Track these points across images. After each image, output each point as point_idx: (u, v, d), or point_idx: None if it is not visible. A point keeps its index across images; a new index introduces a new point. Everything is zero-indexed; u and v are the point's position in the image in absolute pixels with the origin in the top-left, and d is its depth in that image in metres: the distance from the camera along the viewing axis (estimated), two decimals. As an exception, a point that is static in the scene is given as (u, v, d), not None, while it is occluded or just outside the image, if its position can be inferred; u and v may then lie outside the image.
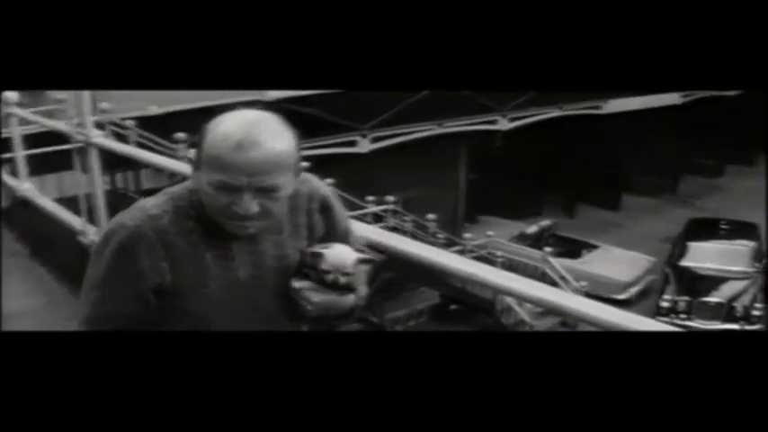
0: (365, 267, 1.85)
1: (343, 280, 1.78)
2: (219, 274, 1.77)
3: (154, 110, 12.09)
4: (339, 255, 1.80)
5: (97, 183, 5.19)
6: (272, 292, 1.84)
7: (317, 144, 14.22)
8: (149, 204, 1.76)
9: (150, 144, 10.07)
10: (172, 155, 8.76)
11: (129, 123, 10.63)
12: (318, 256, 1.78)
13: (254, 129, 1.63)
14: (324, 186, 1.94)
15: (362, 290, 1.86)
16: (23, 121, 6.64)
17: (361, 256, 1.83)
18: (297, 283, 1.81)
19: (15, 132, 6.60)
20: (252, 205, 1.65)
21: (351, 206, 12.49)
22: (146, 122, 10.99)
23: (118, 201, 7.64)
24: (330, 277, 1.77)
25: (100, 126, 5.93)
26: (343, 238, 1.93)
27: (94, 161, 5.07)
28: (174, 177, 4.32)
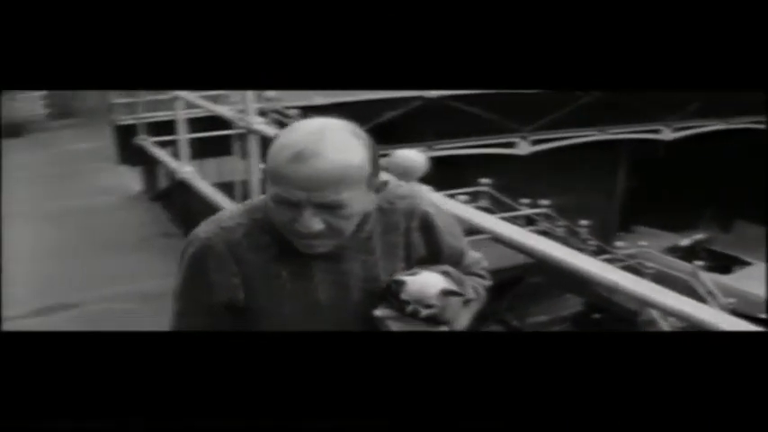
0: (457, 299, 1.66)
1: (424, 312, 1.61)
2: (296, 295, 1.63)
3: (319, 100, 12.39)
4: (422, 284, 1.62)
5: (254, 170, 5.14)
6: (355, 319, 1.66)
7: (476, 144, 14.38)
8: (225, 216, 1.66)
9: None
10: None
11: (293, 112, 10.31)
12: (400, 283, 1.61)
13: (316, 138, 1.47)
14: (428, 202, 1.75)
15: (461, 322, 1.71)
16: (189, 105, 6.65)
17: (447, 287, 1.63)
18: (379, 311, 1.64)
19: (180, 115, 6.66)
20: (313, 222, 1.48)
21: (503, 208, 12.58)
22: (310, 112, 11.23)
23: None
24: (410, 308, 1.60)
25: (262, 113, 5.89)
26: (452, 259, 1.75)
27: (253, 148, 5.09)
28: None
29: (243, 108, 5.07)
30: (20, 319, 4.93)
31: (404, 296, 1.59)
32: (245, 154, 5.24)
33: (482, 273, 1.84)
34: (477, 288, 1.80)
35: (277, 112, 10.29)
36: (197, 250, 1.62)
